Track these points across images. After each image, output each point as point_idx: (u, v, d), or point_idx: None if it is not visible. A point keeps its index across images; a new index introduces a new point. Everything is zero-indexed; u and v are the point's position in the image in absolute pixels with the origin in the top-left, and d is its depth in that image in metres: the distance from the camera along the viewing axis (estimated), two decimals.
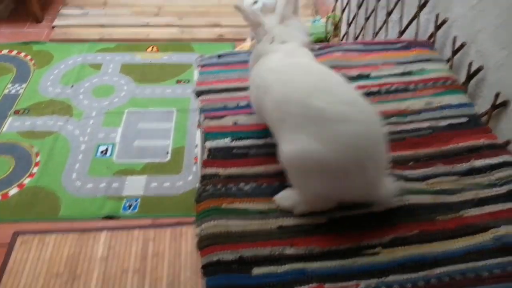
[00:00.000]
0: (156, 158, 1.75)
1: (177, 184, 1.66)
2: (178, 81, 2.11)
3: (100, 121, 1.89)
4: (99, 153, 1.76)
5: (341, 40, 1.84)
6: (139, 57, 2.24)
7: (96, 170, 1.70)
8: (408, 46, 1.06)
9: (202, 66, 1.04)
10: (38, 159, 1.73)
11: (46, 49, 2.26)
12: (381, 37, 1.49)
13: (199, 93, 0.96)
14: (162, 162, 1.74)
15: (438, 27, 1.09)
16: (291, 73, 0.73)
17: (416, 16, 1.18)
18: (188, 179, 1.68)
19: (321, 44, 1.10)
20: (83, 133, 1.83)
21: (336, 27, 2.16)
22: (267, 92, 0.74)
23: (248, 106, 0.92)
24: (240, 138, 0.83)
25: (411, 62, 1.01)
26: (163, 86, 2.07)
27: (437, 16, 1.08)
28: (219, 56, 1.07)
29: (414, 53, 1.03)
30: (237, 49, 2.22)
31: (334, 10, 1.94)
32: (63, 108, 1.94)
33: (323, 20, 2.27)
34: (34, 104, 1.95)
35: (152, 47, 2.31)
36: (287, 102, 0.69)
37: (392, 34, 1.40)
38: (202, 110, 0.91)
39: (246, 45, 2.20)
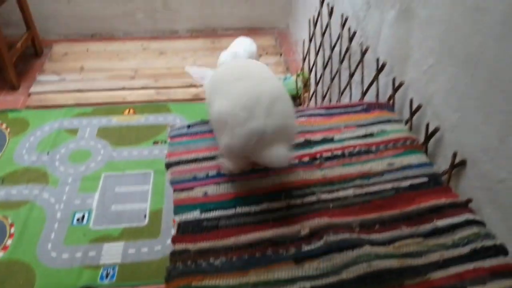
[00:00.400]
0: (134, 222, 1.73)
1: (155, 248, 1.64)
2: (155, 142, 2.13)
3: (77, 187, 1.88)
4: (75, 221, 1.73)
5: (310, 98, 1.91)
6: (116, 120, 2.27)
7: (72, 238, 1.67)
8: (368, 108, 1.12)
9: (172, 137, 1.07)
10: (12, 230, 1.69)
11: (22, 117, 2.27)
12: (346, 96, 1.57)
13: (168, 165, 0.98)
14: (140, 226, 1.72)
15: (395, 90, 1.16)
16: (228, 66, 1.00)
17: (375, 79, 1.25)
18: (166, 243, 1.66)
19: None
20: (59, 201, 1.81)
21: (306, 84, 2.26)
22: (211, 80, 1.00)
23: (218, 175, 0.94)
24: (209, 210, 0.85)
25: (371, 124, 1.06)
26: (140, 148, 2.09)
27: (393, 80, 1.16)
28: (189, 127, 1.10)
29: (374, 115, 1.09)
30: None
31: (302, 69, 2.04)
32: (38, 176, 1.92)
33: (293, 77, 2.37)
34: (9, 173, 1.94)
35: (129, 110, 2.35)
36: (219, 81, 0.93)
37: (356, 94, 1.47)
38: (172, 182, 0.92)
39: None
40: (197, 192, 0.89)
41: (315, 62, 1.82)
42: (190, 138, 1.06)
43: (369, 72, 1.39)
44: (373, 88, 1.29)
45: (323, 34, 1.70)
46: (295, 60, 2.80)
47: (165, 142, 2.13)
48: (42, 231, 1.69)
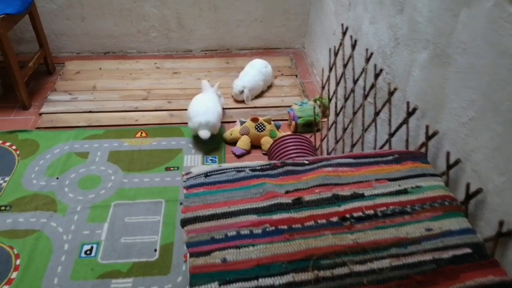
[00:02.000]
0: (144, 256, 1.66)
1: (165, 287, 1.57)
2: (167, 169, 2.07)
3: (85, 216, 1.81)
4: (83, 254, 1.67)
5: (329, 128, 1.84)
6: (127, 144, 2.21)
7: (80, 273, 1.60)
8: (400, 159, 1.04)
9: (188, 188, 1.00)
10: (18, 262, 1.63)
11: (32, 138, 2.22)
12: (370, 132, 1.49)
13: (184, 223, 0.91)
14: (150, 261, 1.65)
15: (429, 138, 1.08)
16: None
17: (405, 122, 1.17)
18: (177, 280, 1.59)
19: (311, 158, 1.07)
20: (67, 231, 1.75)
21: (325, 112, 2.18)
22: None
23: (238, 236, 0.87)
24: (229, 282, 0.77)
25: (405, 178, 0.98)
26: (151, 174, 2.03)
27: (427, 128, 1.08)
28: (207, 175, 1.03)
29: (407, 167, 1.01)
30: (227, 132, 2.22)
31: (321, 95, 1.96)
32: (47, 203, 1.86)
33: (311, 102, 2.29)
34: (17, 199, 1.88)
35: (141, 133, 2.29)
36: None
37: (382, 132, 1.39)
38: (188, 245, 0.85)
39: (236, 129, 2.20)
40: (215, 258, 0.82)
41: (335, 92, 1.75)
42: (207, 189, 0.99)
43: (396, 110, 1.32)
44: (402, 130, 1.22)
45: (345, 66, 1.63)
46: (311, 83, 2.73)
47: (177, 168, 2.07)
48: (48, 263, 1.63)
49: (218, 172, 1.04)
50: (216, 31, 2.94)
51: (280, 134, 2.19)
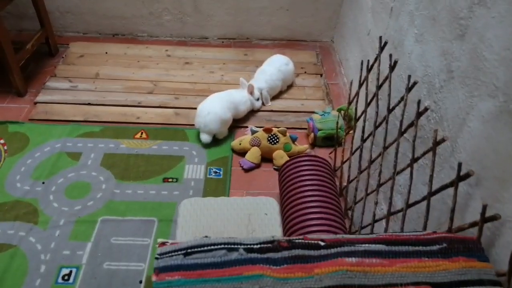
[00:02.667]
0: None
1: None
2: (165, 180, 1.84)
3: (68, 233, 1.61)
4: (60, 279, 1.48)
5: (353, 153, 1.56)
6: (125, 146, 1.98)
7: None
8: (449, 251, 0.77)
9: (160, 270, 0.76)
10: None
11: (23, 131, 2.02)
12: (402, 176, 1.21)
13: None
14: None
15: (484, 220, 0.80)
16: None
17: (452, 186, 0.89)
18: None
19: (328, 237, 0.81)
20: (46, 249, 1.56)
21: (350, 125, 1.88)
22: None
23: None
24: None
25: (454, 286, 0.71)
26: (147, 186, 1.81)
27: (484, 208, 0.79)
28: (186, 254, 0.78)
29: (458, 266, 0.74)
30: (236, 141, 1.96)
31: (350, 101, 1.65)
32: (28, 213, 1.67)
33: (334, 113, 2.00)
34: None
35: (141, 133, 2.06)
36: None
37: (418, 183, 1.11)
38: None
39: (246, 139, 1.94)
40: None
41: (364, 113, 1.45)
42: (185, 276, 0.75)
43: (440, 162, 1.03)
44: (446, 192, 0.94)
45: (379, 87, 1.33)
46: (337, 85, 2.41)
47: (176, 180, 1.84)
48: (21, 287, 1.44)
49: (202, 249, 0.79)
50: (235, 18, 2.64)
51: (295, 148, 1.92)
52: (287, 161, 1.64)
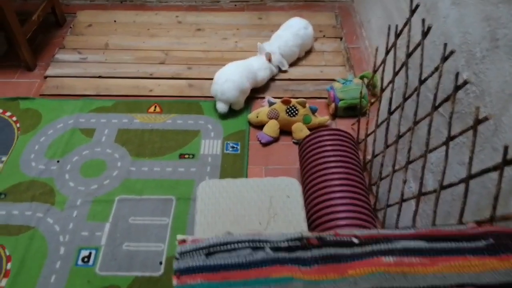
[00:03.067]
0: (147, 270, 1.44)
1: None
2: (181, 156, 1.78)
3: (85, 213, 1.59)
4: (80, 261, 1.47)
5: (378, 126, 1.46)
6: (138, 120, 1.92)
7: (75, 285, 1.41)
8: (497, 248, 0.69)
9: (180, 274, 0.70)
10: (8, 266, 1.45)
11: (35, 107, 1.97)
12: (435, 154, 1.11)
13: None
14: (153, 277, 1.43)
15: None
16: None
17: (497, 170, 0.80)
18: None
19: (362, 233, 0.74)
20: (64, 230, 1.54)
21: (373, 92, 1.77)
22: None
23: None
24: None
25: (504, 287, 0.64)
26: (163, 162, 1.76)
27: None
28: (208, 254, 0.72)
29: (507, 266, 0.67)
30: (253, 113, 1.88)
31: (375, 70, 1.54)
32: (44, 193, 1.65)
33: (356, 81, 1.88)
34: (13, 186, 1.67)
35: (155, 106, 1.99)
36: None
37: (454, 163, 1.02)
38: None
39: (263, 111, 1.85)
40: None
41: (392, 83, 1.34)
42: (207, 279, 0.69)
43: (480, 142, 0.93)
44: (487, 176, 0.85)
45: (408, 55, 1.21)
46: (358, 49, 2.27)
47: (193, 156, 1.78)
48: (41, 270, 1.44)
49: (225, 248, 0.73)
50: None
51: (315, 120, 1.83)
52: (307, 136, 1.56)
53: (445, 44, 1.00)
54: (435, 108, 1.06)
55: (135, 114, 1.95)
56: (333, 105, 1.87)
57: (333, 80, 2.03)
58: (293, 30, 2.10)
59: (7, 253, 1.48)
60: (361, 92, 1.76)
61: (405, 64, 1.23)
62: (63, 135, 1.86)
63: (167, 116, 1.94)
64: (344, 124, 1.87)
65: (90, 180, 1.69)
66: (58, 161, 1.76)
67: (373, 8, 2.17)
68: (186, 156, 1.78)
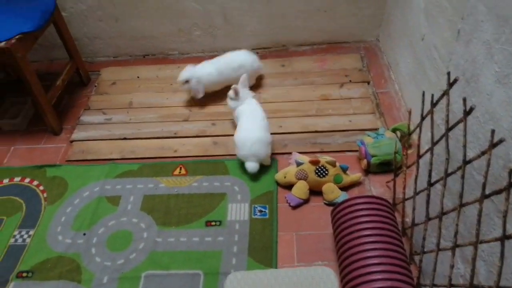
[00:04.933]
0: None
1: None
2: (208, 223, 1.72)
3: None
4: None
5: (417, 193, 1.35)
6: (164, 185, 1.88)
7: None
8: None
9: None
10: None
11: (61, 175, 1.97)
12: (488, 230, 1.00)
13: None
14: None
15: None
16: None
17: None
18: None
19: None
20: None
21: (406, 144, 1.66)
22: None
23: None
24: None
25: None
26: (189, 231, 1.70)
27: None
28: None
29: None
30: (281, 173, 1.80)
31: (410, 133, 1.43)
32: (71, 270, 1.61)
33: (388, 134, 1.78)
34: (40, 263, 1.65)
35: (180, 168, 1.94)
36: None
37: (510, 252, 0.90)
38: None
39: (290, 172, 1.77)
40: None
41: (431, 153, 1.24)
42: None
43: None
44: None
45: (448, 129, 1.11)
46: (387, 93, 2.17)
47: (220, 223, 1.71)
48: None
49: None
50: (269, 25, 2.44)
51: (347, 178, 1.73)
52: (340, 204, 1.46)
53: (493, 131, 0.89)
54: (484, 197, 0.95)
55: (161, 178, 1.91)
56: (365, 161, 1.77)
57: (363, 130, 1.94)
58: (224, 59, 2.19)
59: None
60: (396, 145, 1.66)
61: (445, 136, 1.13)
62: (89, 204, 1.84)
63: (192, 178, 1.89)
64: (378, 181, 1.76)
65: (116, 254, 1.65)
66: (84, 234, 1.73)
67: (402, 51, 2.08)
68: (213, 223, 1.72)
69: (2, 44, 1.84)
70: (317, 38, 2.49)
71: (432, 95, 1.18)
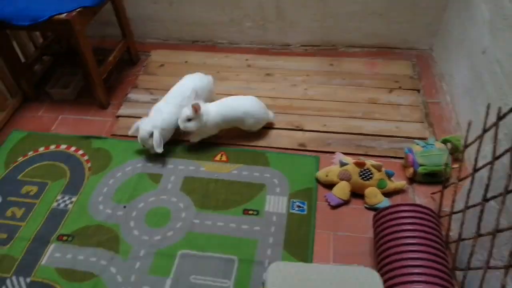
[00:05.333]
0: None
1: None
2: (245, 211, 1.73)
3: (148, 265, 1.57)
4: None
5: (467, 207, 1.32)
6: (204, 169, 1.90)
7: None
8: None
9: None
10: None
11: (106, 147, 2.02)
12: None
13: None
14: None
15: None
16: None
17: None
18: None
19: None
20: (126, 283, 1.52)
21: (456, 151, 1.63)
22: None
23: None
24: None
25: None
26: (227, 217, 1.71)
27: None
28: None
29: None
30: (322, 171, 1.79)
31: (466, 145, 1.41)
32: (110, 239, 1.65)
33: (439, 145, 1.74)
34: (80, 229, 1.70)
35: (221, 155, 1.96)
36: None
37: None
38: None
39: (333, 171, 1.76)
40: None
41: (490, 167, 1.21)
42: None
43: None
44: None
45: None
46: (438, 104, 2.12)
47: (257, 213, 1.71)
48: None
49: None
50: (321, 24, 2.42)
51: (391, 185, 1.70)
52: (384, 210, 1.44)
53: None
54: None
55: (202, 161, 1.93)
56: (411, 169, 1.74)
57: (410, 138, 1.91)
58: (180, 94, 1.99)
59: None
60: (447, 158, 1.63)
61: (510, 151, 1.10)
62: (130, 179, 1.87)
63: (232, 165, 1.91)
64: (422, 191, 1.73)
65: (154, 230, 1.68)
66: (124, 207, 1.76)
67: (458, 62, 2.03)
68: (251, 212, 1.72)
69: (63, 16, 1.89)
70: (368, 41, 2.47)
71: (499, 108, 1.15)
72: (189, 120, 1.84)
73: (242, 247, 1.61)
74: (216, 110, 1.90)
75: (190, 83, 2.01)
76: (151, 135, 1.84)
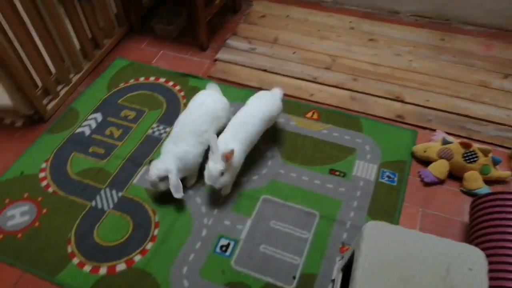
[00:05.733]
0: (279, 279, 1.40)
1: None
2: (332, 171, 1.70)
3: (231, 203, 1.61)
4: (218, 248, 1.49)
5: None
6: (294, 123, 1.88)
7: (210, 271, 1.43)
8: None
9: None
10: (156, 232, 1.54)
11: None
12: None
13: None
14: None
15: None
16: None
17: None
18: None
19: None
20: (209, 214, 1.58)
21: None
22: None
23: None
24: None
25: None
26: (312, 173, 1.69)
27: None
28: None
29: None
30: (420, 146, 1.70)
31: None
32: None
33: None
34: None
35: (313, 113, 1.93)
36: None
37: None
38: None
39: (433, 147, 1.67)
40: None
41: None
42: None
43: None
44: None
45: None
46: None
47: (344, 175, 1.68)
48: (183, 245, 1.49)
49: None
50: None
51: (495, 173, 1.58)
52: (486, 195, 1.34)
53: None
54: None
55: (293, 116, 1.91)
56: None
57: None
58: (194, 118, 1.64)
59: (156, 219, 1.57)
60: None
61: None
62: None
63: (323, 125, 1.87)
64: None
65: (240, 172, 1.70)
66: None
67: None
68: (337, 173, 1.69)
69: None
70: (487, 20, 2.26)
71: None
72: (221, 173, 1.46)
73: (325, 204, 1.59)
74: (237, 140, 1.53)
75: (203, 108, 1.65)
76: (162, 179, 1.52)
